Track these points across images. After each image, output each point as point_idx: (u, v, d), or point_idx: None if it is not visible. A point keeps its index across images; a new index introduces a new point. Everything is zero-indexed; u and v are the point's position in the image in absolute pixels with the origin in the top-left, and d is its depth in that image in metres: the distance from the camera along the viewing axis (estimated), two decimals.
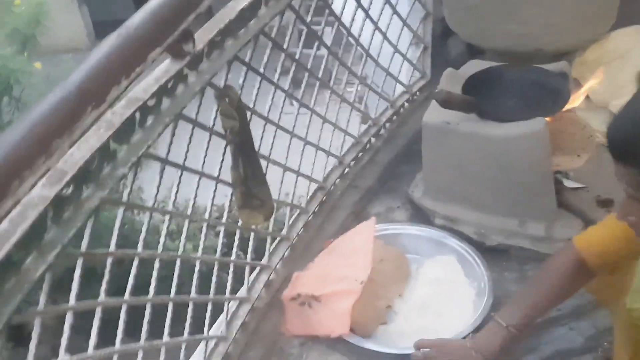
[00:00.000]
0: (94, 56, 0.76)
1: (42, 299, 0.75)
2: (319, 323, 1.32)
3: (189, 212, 1.12)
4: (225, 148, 1.13)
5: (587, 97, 1.69)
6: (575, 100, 1.51)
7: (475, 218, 1.51)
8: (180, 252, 1.09)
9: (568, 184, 1.57)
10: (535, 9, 1.70)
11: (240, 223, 1.24)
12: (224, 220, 1.25)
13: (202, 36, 0.98)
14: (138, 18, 0.81)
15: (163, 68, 0.92)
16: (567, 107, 1.49)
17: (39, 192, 0.70)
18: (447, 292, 1.40)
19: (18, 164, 0.62)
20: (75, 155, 0.73)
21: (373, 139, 1.77)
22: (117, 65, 0.76)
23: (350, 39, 1.60)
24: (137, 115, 0.83)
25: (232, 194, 1.18)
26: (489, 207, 1.50)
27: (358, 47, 1.64)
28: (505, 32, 1.75)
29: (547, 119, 1.41)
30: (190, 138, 1.07)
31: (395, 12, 1.74)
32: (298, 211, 1.50)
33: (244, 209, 1.18)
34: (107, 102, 0.74)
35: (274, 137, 1.37)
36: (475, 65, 1.63)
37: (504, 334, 1.10)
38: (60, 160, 0.70)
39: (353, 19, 1.63)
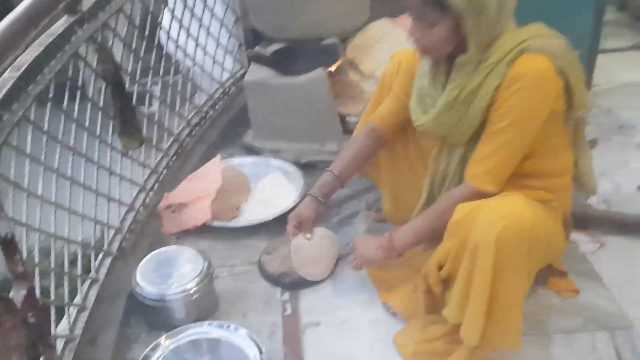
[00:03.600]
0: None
1: None
2: (188, 219, 1.83)
3: None
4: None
5: (360, 69, 2.44)
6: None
7: (291, 146, 2.14)
8: None
9: (350, 119, 2.27)
10: (317, 5, 2.40)
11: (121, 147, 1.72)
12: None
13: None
14: None
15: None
16: (338, 64, 2.21)
17: None
18: (277, 194, 1.99)
19: None
20: None
21: (211, 111, 2.34)
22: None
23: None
24: None
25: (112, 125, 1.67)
26: (299, 136, 2.14)
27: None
28: (295, 26, 2.43)
29: (325, 70, 2.10)
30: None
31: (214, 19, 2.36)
32: (162, 154, 2.00)
33: (123, 134, 1.68)
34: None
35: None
36: (276, 46, 2.29)
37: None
38: None
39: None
